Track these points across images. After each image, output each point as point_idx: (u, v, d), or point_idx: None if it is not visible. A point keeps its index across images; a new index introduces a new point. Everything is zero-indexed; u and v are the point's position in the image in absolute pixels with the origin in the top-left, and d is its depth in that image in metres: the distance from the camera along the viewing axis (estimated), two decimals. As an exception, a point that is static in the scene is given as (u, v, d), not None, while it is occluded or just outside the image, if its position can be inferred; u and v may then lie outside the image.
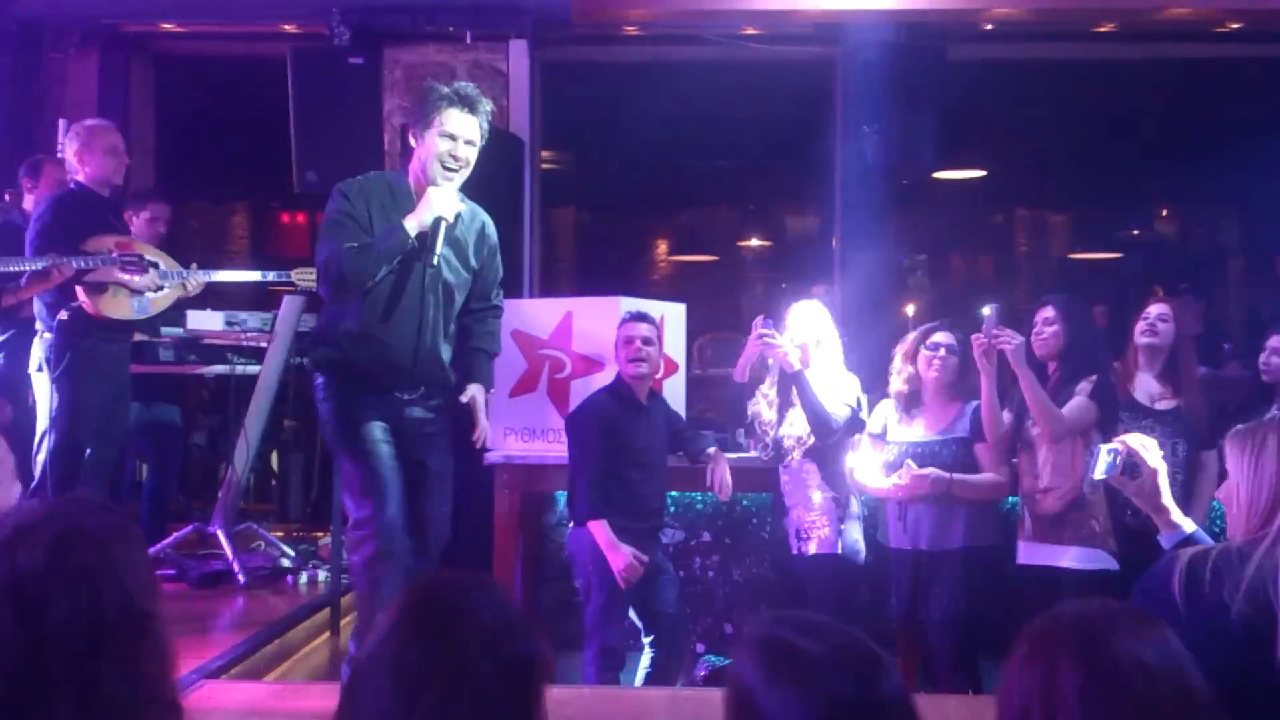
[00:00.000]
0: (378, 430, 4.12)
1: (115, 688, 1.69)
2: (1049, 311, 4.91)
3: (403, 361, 4.10)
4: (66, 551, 1.72)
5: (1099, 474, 2.76)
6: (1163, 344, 4.98)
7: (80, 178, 5.46)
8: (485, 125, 4.10)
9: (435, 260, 3.99)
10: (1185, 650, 1.69)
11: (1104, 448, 2.78)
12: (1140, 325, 5.02)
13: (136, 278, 5.33)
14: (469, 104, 4.04)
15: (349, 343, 4.12)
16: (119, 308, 5.35)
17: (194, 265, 5.71)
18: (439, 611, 1.63)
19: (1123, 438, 2.79)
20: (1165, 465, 2.77)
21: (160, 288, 5.46)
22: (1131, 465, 2.72)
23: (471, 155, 4.08)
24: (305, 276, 5.95)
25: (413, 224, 3.95)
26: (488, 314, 4.42)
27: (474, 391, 4.31)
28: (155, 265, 5.48)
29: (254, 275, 6.17)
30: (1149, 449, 2.75)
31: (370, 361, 4.10)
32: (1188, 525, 2.71)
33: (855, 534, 5.01)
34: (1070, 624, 1.70)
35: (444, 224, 3.99)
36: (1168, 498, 2.74)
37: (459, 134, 4.02)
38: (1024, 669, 1.69)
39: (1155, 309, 5.03)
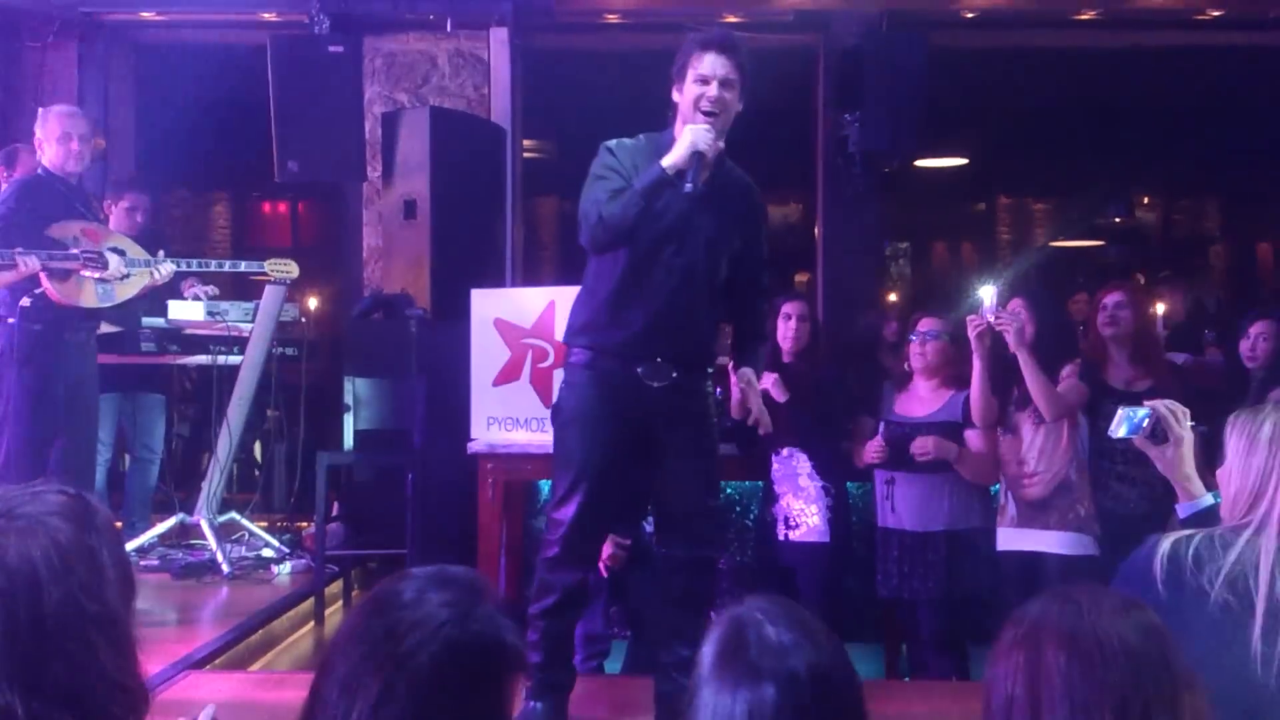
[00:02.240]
0: (603, 430, 3.91)
1: (63, 678, 1.67)
2: (1017, 304, 4.96)
3: (660, 321, 3.87)
4: (3, 537, 1.71)
5: (1121, 432, 2.75)
6: (1124, 332, 5.00)
7: (47, 162, 5.38)
8: (744, 62, 3.85)
9: (689, 187, 3.72)
10: (1170, 634, 1.70)
11: (1127, 409, 2.77)
12: (1100, 316, 5.05)
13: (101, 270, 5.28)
14: (718, 44, 3.83)
15: (607, 306, 3.92)
16: (83, 295, 5.27)
17: (160, 253, 5.66)
18: (390, 600, 1.62)
19: (1153, 402, 2.78)
20: (1190, 435, 2.76)
21: (126, 275, 5.39)
22: (1159, 430, 2.71)
23: (730, 96, 3.82)
24: (279, 267, 5.92)
25: (669, 162, 3.75)
26: (757, 296, 4.17)
27: (747, 375, 4.04)
28: (121, 253, 5.42)
29: (226, 265, 6.15)
30: (1178, 416, 2.74)
31: (625, 325, 3.89)
32: (1208, 498, 2.71)
33: (844, 521, 5.07)
34: (1055, 608, 1.70)
35: (700, 158, 3.75)
36: (1191, 467, 2.73)
37: (712, 75, 3.81)
38: (1009, 654, 1.69)
39: (1111, 298, 5.05)
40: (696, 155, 3.74)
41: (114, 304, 5.43)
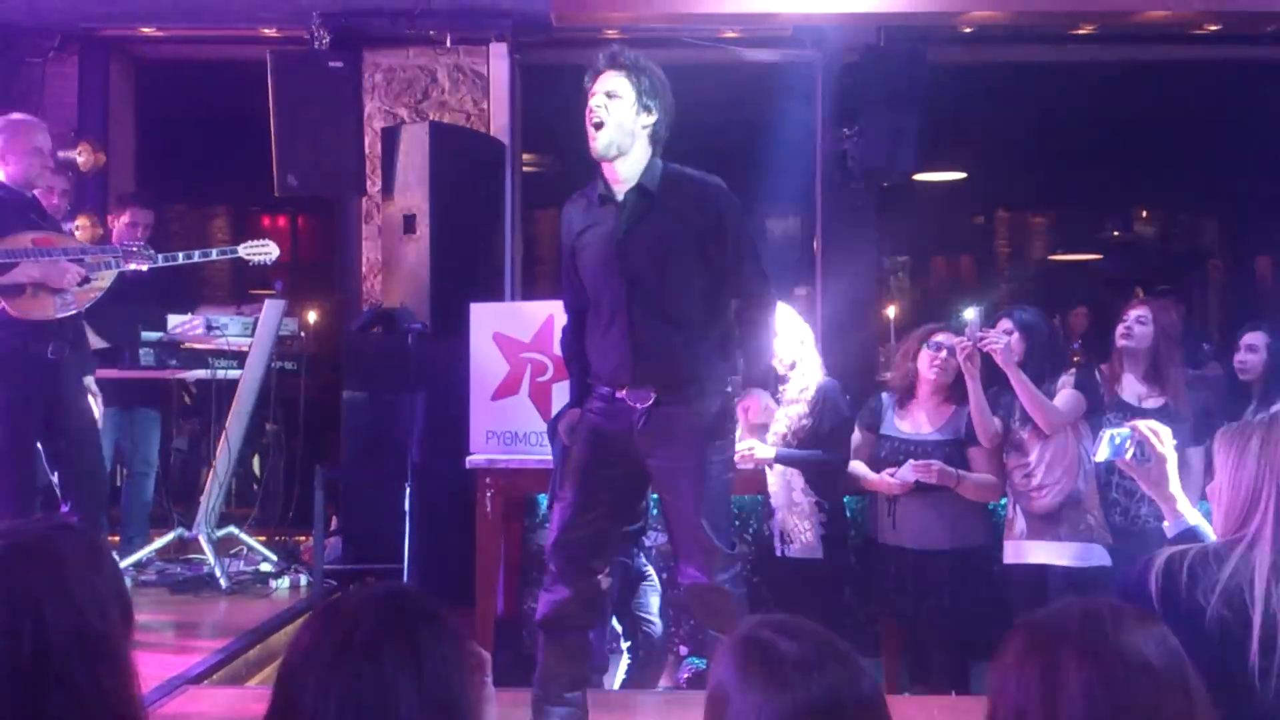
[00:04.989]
0: (593, 450, 3.95)
1: (65, 707, 1.68)
2: (1006, 324, 4.97)
3: (625, 346, 3.86)
4: (7, 570, 1.72)
5: (1103, 455, 2.77)
6: (1140, 346, 5.00)
7: (5, 176, 5.20)
8: (634, 71, 3.86)
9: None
10: (1183, 650, 1.69)
11: (1111, 431, 2.79)
12: (1119, 328, 5.06)
13: (61, 274, 5.15)
14: (604, 60, 3.89)
15: (589, 336, 4.01)
16: (40, 307, 5.10)
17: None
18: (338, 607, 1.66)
19: (1133, 423, 2.80)
20: (1174, 454, 2.77)
21: (86, 280, 5.26)
22: (1141, 450, 2.72)
23: (615, 105, 3.82)
24: (255, 250, 5.80)
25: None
26: (744, 304, 3.99)
27: (746, 402, 3.99)
28: (80, 259, 5.28)
29: (195, 255, 6.07)
30: (1160, 435, 2.75)
31: (601, 354, 3.94)
32: (1192, 517, 2.72)
33: (838, 537, 5.05)
34: (1074, 620, 1.67)
35: None
36: (1175, 486, 2.74)
37: (595, 90, 3.87)
38: (1023, 666, 1.66)
39: (1133, 312, 5.07)
40: None
41: (75, 311, 5.26)
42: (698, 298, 3.91)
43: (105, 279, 5.32)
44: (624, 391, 3.87)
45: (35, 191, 5.41)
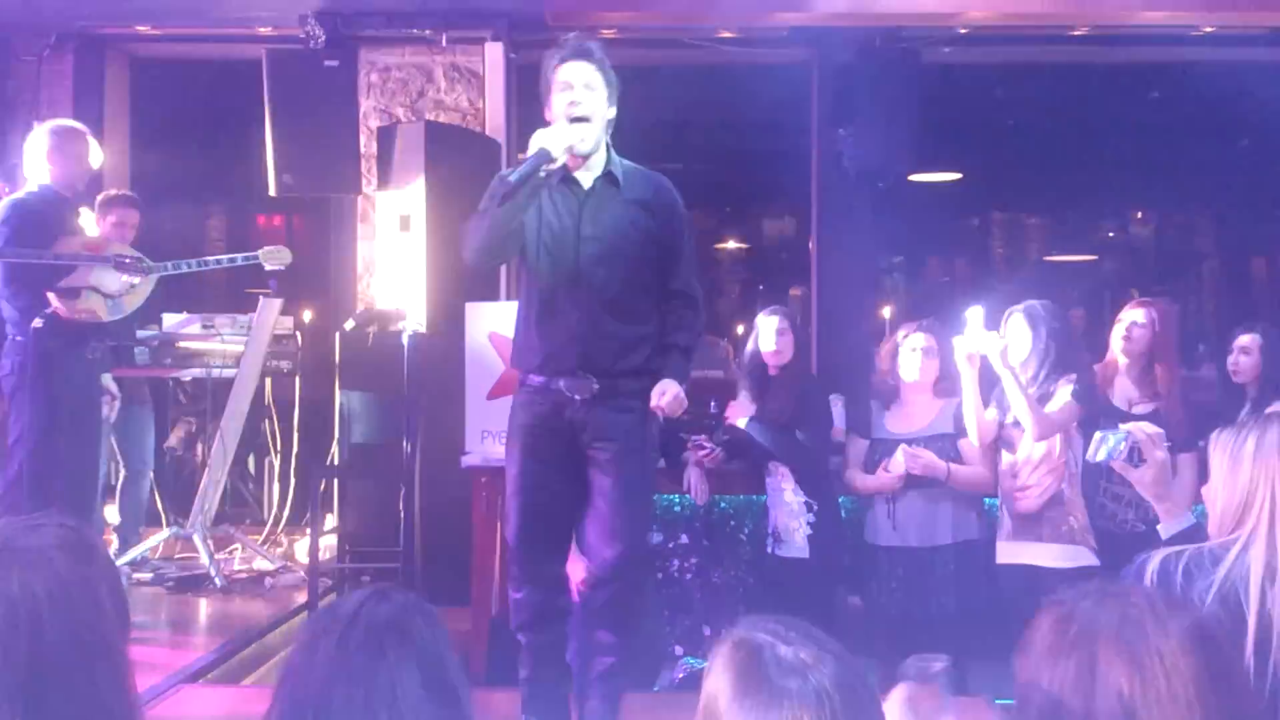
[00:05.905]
0: (533, 448, 3.90)
1: (61, 706, 1.68)
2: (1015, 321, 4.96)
3: (570, 334, 3.84)
4: (3, 569, 1.72)
5: (1099, 457, 2.77)
6: (1136, 348, 4.99)
7: (45, 179, 5.31)
8: (605, 67, 3.85)
9: (515, 177, 3.65)
10: (1222, 636, 1.67)
11: (1106, 433, 2.79)
12: (1114, 330, 5.05)
13: (115, 278, 5.25)
14: (574, 52, 3.85)
15: (525, 325, 3.95)
16: (92, 310, 5.26)
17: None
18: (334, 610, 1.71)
19: (1129, 426, 2.81)
20: (1167, 457, 2.78)
21: (132, 285, 5.36)
22: (1137, 453, 2.73)
23: (595, 99, 3.83)
24: (273, 255, 5.89)
25: (514, 172, 3.71)
26: (676, 300, 3.99)
27: (662, 387, 3.84)
28: (125, 263, 5.39)
29: (224, 261, 6.13)
30: (1155, 439, 2.76)
31: (541, 343, 3.88)
32: (1190, 517, 2.73)
33: (830, 538, 5.05)
34: (1113, 616, 1.64)
35: (546, 157, 3.65)
36: (1169, 487, 2.75)
37: (573, 81, 3.82)
38: (1057, 658, 1.64)
39: (1129, 313, 5.05)
40: (541, 153, 3.69)
41: (124, 315, 5.40)
42: (645, 290, 3.93)
43: (149, 283, 5.41)
44: (563, 380, 3.85)
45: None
